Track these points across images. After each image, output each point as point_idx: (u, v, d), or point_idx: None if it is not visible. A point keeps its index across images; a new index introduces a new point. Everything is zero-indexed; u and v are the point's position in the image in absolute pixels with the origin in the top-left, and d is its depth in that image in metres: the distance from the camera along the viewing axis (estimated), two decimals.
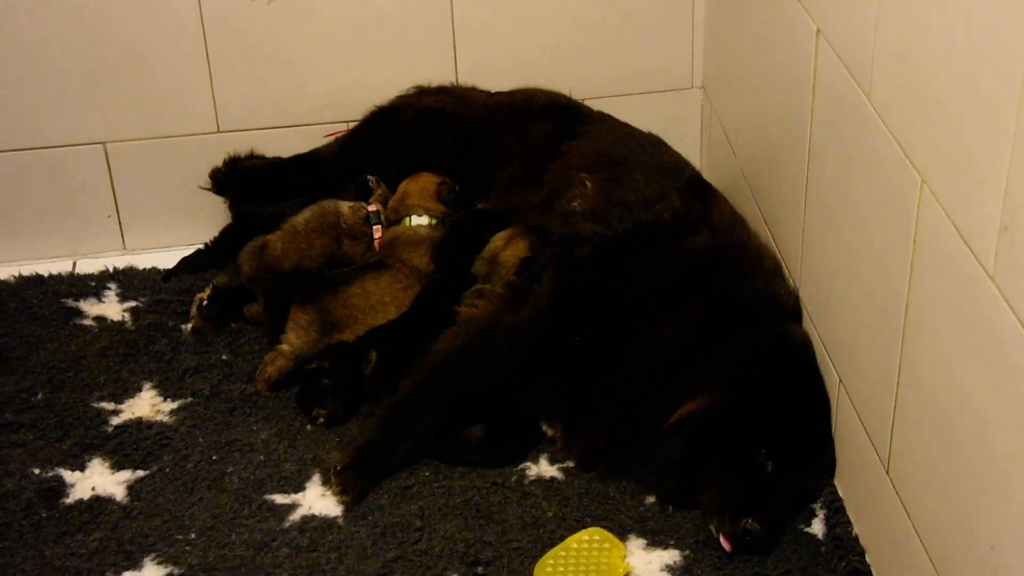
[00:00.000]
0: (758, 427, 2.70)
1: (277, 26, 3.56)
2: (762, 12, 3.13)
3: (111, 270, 3.58)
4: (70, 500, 2.84)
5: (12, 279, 3.53)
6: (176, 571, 2.66)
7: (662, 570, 2.67)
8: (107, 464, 2.94)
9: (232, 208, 3.60)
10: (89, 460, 2.94)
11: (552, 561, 2.65)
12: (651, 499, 2.84)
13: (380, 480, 2.86)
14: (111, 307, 3.44)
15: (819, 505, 2.77)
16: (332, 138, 3.67)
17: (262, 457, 2.95)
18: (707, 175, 3.56)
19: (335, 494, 2.82)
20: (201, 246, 3.58)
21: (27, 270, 3.57)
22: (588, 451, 2.89)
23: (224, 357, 3.24)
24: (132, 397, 3.13)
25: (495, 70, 3.68)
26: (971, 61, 1.96)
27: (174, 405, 3.11)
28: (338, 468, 2.81)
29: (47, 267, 3.60)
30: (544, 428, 2.97)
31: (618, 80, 3.76)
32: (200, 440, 3.00)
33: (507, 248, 3.23)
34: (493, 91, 3.67)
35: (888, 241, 2.34)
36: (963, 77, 1.99)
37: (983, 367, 1.99)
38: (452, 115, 3.54)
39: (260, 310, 3.26)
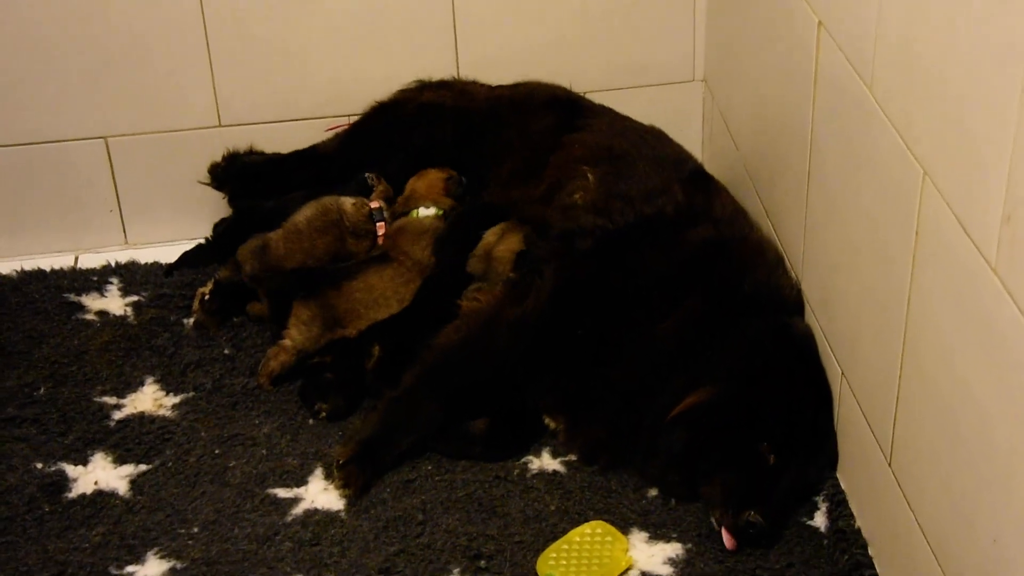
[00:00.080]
0: (760, 419, 2.70)
1: (278, 20, 3.56)
2: (763, 4, 3.13)
3: (113, 264, 3.58)
4: (73, 494, 2.84)
5: (14, 274, 3.53)
6: (179, 565, 2.66)
7: (664, 563, 2.67)
8: (110, 458, 2.94)
9: (232, 203, 3.60)
10: (92, 454, 2.95)
11: (554, 554, 2.65)
12: (653, 492, 2.84)
13: (382, 474, 2.87)
14: (113, 301, 3.44)
15: (821, 498, 2.77)
16: (332, 132, 3.66)
17: (264, 451, 2.95)
18: (709, 168, 3.55)
19: (337, 488, 2.83)
20: (203, 240, 3.58)
21: (29, 265, 3.57)
22: (590, 444, 2.89)
23: (226, 351, 3.24)
24: (134, 391, 3.13)
25: (496, 63, 3.68)
26: (973, 53, 1.95)
27: (176, 399, 3.11)
28: (340, 462, 2.81)
29: (49, 262, 3.60)
30: (546, 421, 2.97)
31: (620, 73, 3.75)
32: (202, 434, 3.00)
33: (500, 243, 3.22)
34: (494, 85, 3.67)
35: (890, 233, 2.34)
36: (965, 69, 1.98)
37: (985, 359, 1.99)
38: (452, 109, 3.54)
39: (263, 308, 3.26)
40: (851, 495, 2.74)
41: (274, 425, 3.02)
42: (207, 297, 3.29)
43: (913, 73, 2.19)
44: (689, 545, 2.70)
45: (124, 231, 3.74)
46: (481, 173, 3.49)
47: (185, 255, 3.55)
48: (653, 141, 3.41)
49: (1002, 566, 1.99)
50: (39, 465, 2.91)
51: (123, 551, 2.70)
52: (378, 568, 2.64)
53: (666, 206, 3.08)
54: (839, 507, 2.73)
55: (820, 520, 2.74)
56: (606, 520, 2.74)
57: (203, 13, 3.51)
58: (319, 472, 2.89)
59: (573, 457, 2.93)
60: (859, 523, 2.68)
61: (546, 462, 2.92)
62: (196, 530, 2.75)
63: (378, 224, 3.39)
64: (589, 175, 3.23)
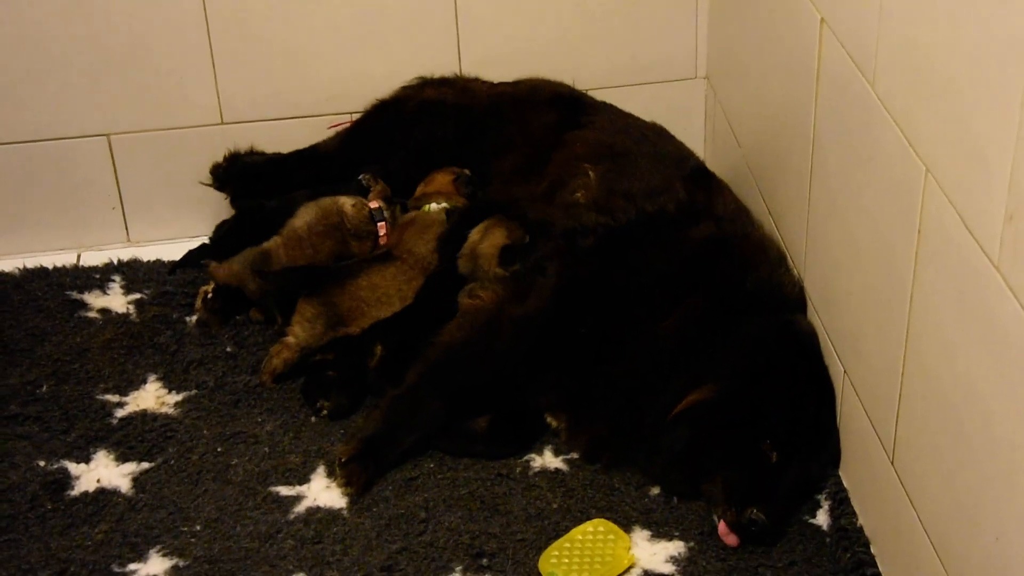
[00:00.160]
0: (762, 417, 2.70)
1: (281, 18, 3.56)
2: (766, 1, 3.13)
3: (115, 262, 3.58)
4: (75, 492, 2.84)
5: (16, 271, 3.54)
6: (181, 563, 2.66)
7: (667, 561, 2.67)
8: (112, 456, 2.94)
9: (234, 204, 3.60)
10: (94, 452, 2.95)
11: (557, 552, 2.65)
12: (656, 490, 2.83)
13: (385, 472, 2.87)
14: (116, 299, 3.44)
15: (824, 496, 2.77)
16: (335, 130, 3.66)
17: (267, 449, 2.95)
18: (711, 165, 3.55)
19: (340, 486, 2.83)
20: (206, 239, 3.58)
21: (31, 262, 3.57)
22: (592, 442, 2.89)
23: (229, 349, 3.24)
24: (137, 389, 3.13)
25: (499, 61, 3.68)
26: (976, 49, 1.95)
27: (179, 397, 3.11)
28: (343, 460, 2.81)
29: (51, 259, 3.60)
30: (548, 420, 2.97)
31: (622, 70, 3.75)
32: (205, 432, 3.00)
33: (484, 240, 3.20)
34: (496, 82, 3.66)
35: (893, 230, 2.33)
36: (968, 65, 1.98)
37: (988, 357, 1.99)
38: (454, 106, 3.54)
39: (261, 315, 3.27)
40: (853, 493, 2.74)
41: (276, 423, 3.02)
42: (210, 295, 3.29)
43: (916, 70, 2.18)
44: (691, 543, 2.70)
45: (126, 229, 3.74)
46: (483, 170, 3.49)
47: (189, 254, 3.55)
48: (655, 138, 3.41)
49: (1005, 564, 1.98)
50: (41, 463, 2.91)
51: (125, 549, 2.70)
52: (380, 566, 2.64)
53: (668, 204, 3.08)
54: (841, 505, 2.72)
55: (822, 518, 2.74)
56: (608, 518, 2.74)
57: (205, 11, 3.51)
58: (321, 470, 2.89)
59: (575, 455, 2.92)
60: (861, 521, 2.68)
61: (548, 460, 2.92)
62: (198, 528, 2.75)
63: (379, 224, 3.38)
64: (591, 173, 3.23)
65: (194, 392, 3.12)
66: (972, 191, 1.99)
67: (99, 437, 2.98)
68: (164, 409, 3.08)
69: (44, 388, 3.12)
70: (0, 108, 3.52)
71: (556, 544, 2.67)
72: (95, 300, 3.44)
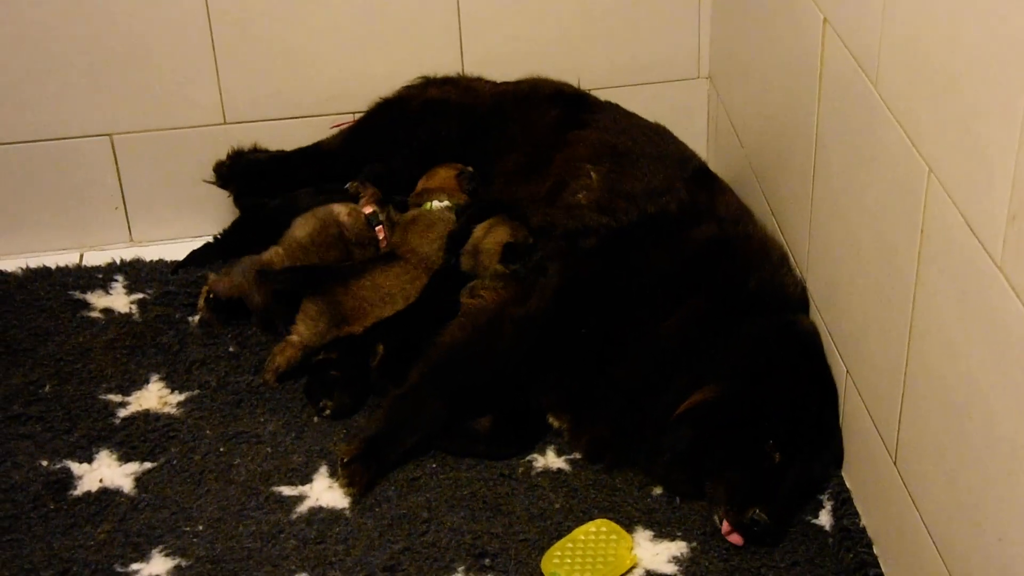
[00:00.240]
0: (765, 418, 2.69)
1: (283, 17, 3.56)
2: (769, 1, 3.12)
3: (118, 262, 3.58)
4: (78, 492, 2.84)
5: (19, 271, 3.54)
6: (184, 563, 2.66)
7: (669, 562, 2.66)
8: (115, 456, 2.94)
9: (237, 202, 3.60)
10: (97, 452, 2.95)
11: (559, 553, 2.65)
12: (658, 491, 2.83)
13: (387, 472, 2.87)
14: (118, 299, 3.44)
15: (826, 496, 2.77)
16: (338, 129, 3.66)
17: (269, 449, 2.95)
18: (713, 165, 3.55)
19: (342, 486, 2.82)
20: (210, 238, 3.58)
21: (34, 262, 3.58)
22: (595, 443, 2.89)
23: (231, 349, 3.24)
24: (139, 389, 3.13)
25: (501, 60, 3.68)
26: (978, 49, 1.95)
27: (181, 397, 3.11)
28: (345, 460, 2.81)
29: (54, 259, 3.60)
30: (550, 420, 2.96)
31: (624, 70, 3.75)
32: (207, 432, 3.00)
33: (488, 236, 3.22)
34: (499, 81, 3.66)
35: (895, 231, 2.33)
36: (970, 65, 1.98)
37: (991, 357, 1.98)
38: (457, 105, 3.54)
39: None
40: (856, 493, 2.74)
41: (279, 423, 3.02)
42: (212, 295, 3.29)
43: (919, 70, 2.18)
44: (694, 543, 2.70)
45: (129, 229, 3.74)
46: (486, 169, 3.49)
47: (193, 254, 3.55)
48: (657, 139, 3.41)
49: (1007, 564, 1.98)
50: (44, 463, 2.91)
51: (128, 549, 2.70)
52: (383, 566, 2.64)
53: (670, 204, 3.08)
54: (844, 505, 2.72)
55: (825, 518, 2.74)
56: (611, 518, 2.74)
57: (208, 11, 3.51)
58: (324, 470, 2.89)
59: (578, 455, 2.92)
60: (864, 521, 2.68)
61: (551, 460, 2.92)
62: (201, 528, 2.75)
63: (376, 228, 3.38)
64: (592, 174, 3.23)
65: (197, 392, 3.12)
66: (975, 191, 1.99)
67: (102, 437, 2.98)
68: (167, 409, 3.08)
69: (47, 388, 3.13)
70: (3, 108, 3.53)
71: (558, 544, 2.67)
72: (98, 300, 3.44)
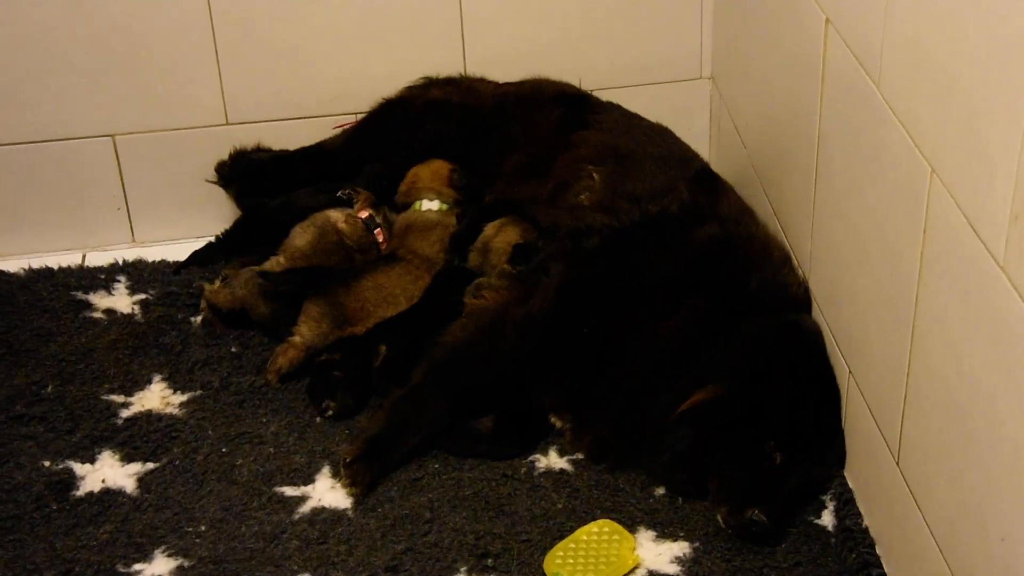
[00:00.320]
0: (766, 418, 2.69)
1: (286, 18, 3.56)
2: (771, 1, 3.12)
3: (121, 263, 3.58)
4: (80, 492, 2.84)
5: (22, 272, 3.54)
6: (186, 563, 2.66)
7: (672, 562, 2.66)
8: (117, 456, 2.94)
9: (238, 201, 3.60)
10: (99, 452, 2.95)
11: (562, 553, 2.65)
12: (661, 491, 2.83)
13: (389, 472, 2.87)
14: (121, 300, 3.45)
15: (829, 497, 2.77)
16: (340, 129, 3.66)
17: (272, 449, 2.95)
18: (716, 165, 3.55)
19: (345, 486, 2.83)
20: (212, 239, 3.58)
21: (37, 263, 3.58)
22: (597, 443, 2.89)
23: (233, 349, 3.24)
24: (142, 390, 3.13)
25: (504, 60, 3.68)
26: (981, 49, 1.94)
27: (184, 397, 3.11)
28: (347, 460, 2.81)
29: (57, 260, 3.60)
30: (553, 420, 2.96)
31: (627, 71, 3.75)
32: (210, 432, 3.00)
33: (498, 235, 3.24)
34: (501, 82, 3.66)
35: (898, 231, 2.33)
36: (973, 65, 1.98)
37: (994, 357, 1.98)
38: (459, 106, 3.54)
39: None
40: (859, 493, 2.74)
41: (281, 423, 3.03)
42: (212, 305, 3.28)
43: (921, 70, 2.18)
44: (696, 544, 2.69)
45: (132, 229, 3.74)
46: (488, 170, 3.49)
47: (195, 254, 3.55)
48: (659, 140, 3.41)
49: (1010, 564, 1.98)
50: (47, 463, 2.91)
51: (130, 549, 2.70)
52: (385, 566, 2.64)
53: (672, 205, 3.08)
54: (847, 506, 2.72)
55: (827, 519, 2.74)
56: (613, 519, 2.74)
57: (210, 11, 3.51)
58: (326, 470, 2.89)
59: (580, 455, 2.92)
60: (867, 522, 2.68)
61: (553, 460, 2.92)
62: (203, 528, 2.75)
63: (376, 232, 3.38)
64: (595, 175, 3.23)
65: (199, 392, 3.12)
66: (977, 191, 1.99)
67: (104, 437, 2.99)
68: (169, 409, 3.08)
69: (49, 388, 3.13)
70: (5, 109, 3.53)
71: (561, 544, 2.67)
72: (100, 300, 3.44)
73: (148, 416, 3.05)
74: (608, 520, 2.73)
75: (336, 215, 3.39)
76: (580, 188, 3.23)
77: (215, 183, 3.60)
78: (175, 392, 3.13)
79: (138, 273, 3.53)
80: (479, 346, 2.93)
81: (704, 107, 3.84)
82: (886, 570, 2.57)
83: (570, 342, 2.89)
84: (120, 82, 3.55)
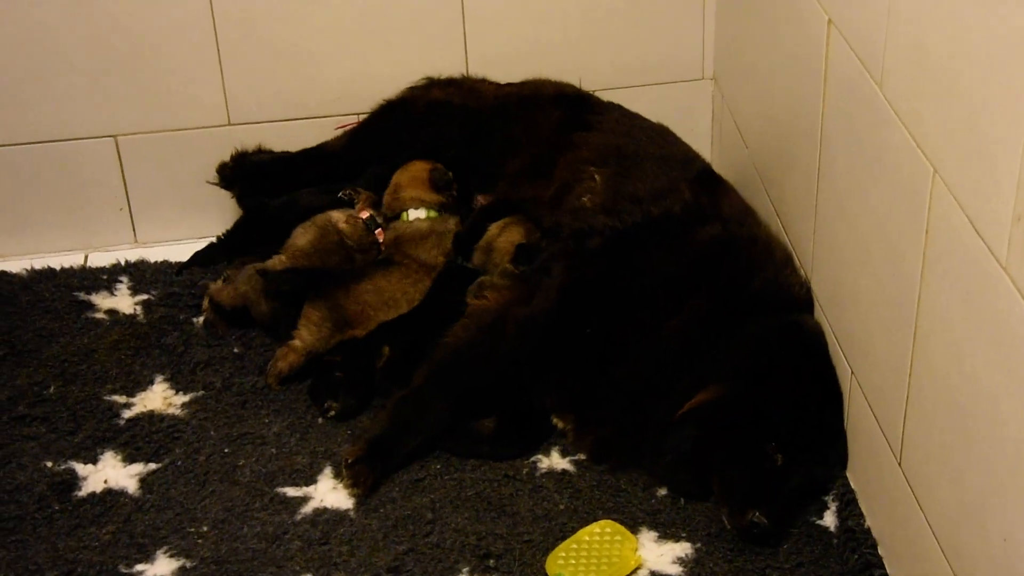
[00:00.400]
0: (768, 419, 2.69)
1: (288, 18, 3.56)
2: (773, 2, 3.12)
3: (123, 263, 3.58)
4: (82, 493, 2.84)
5: (24, 272, 3.54)
6: (188, 564, 2.66)
7: (674, 563, 2.66)
8: (119, 457, 2.94)
9: (240, 202, 3.60)
10: (101, 453, 2.95)
11: (564, 554, 2.65)
12: (663, 492, 2.83)
13: (391, 473, 2.86)
14: (123, 300, 3.45)
15: (831, 497, 2.77)
16: (342, 130, 3.66)
17: (274, 450, 2.95)
18: (718, 166, 3.55)
19: (346, 487, 2.83)
20: (213, 239, 3.58)
21: (39, 263, 3.58)
22: (599, 443, 2.89)
23: (236, 350, 3.24)
24: (144, 390, 3.14)
25: (506, 60, 3.67)
26: (984, 50, 1.94)
27: (186, 398, 3.11)
28: (349, 461, 2.81)
29: (59, 260, 3.60)
30: (555, 421, 2.96)
31: (629, 71, 3.75)
32: (212, 433, 3.00)
33: (502, 235, 3.24)
34: (503, 83, 3.66)
35: (900, 231, 2.33)
36: (976, 66, 1.97)
37: (996, 358, 1.98)
38: (461, 107, 3.54)
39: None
40: (861, 494, 2.74)
41: (283, 424, 3.03)
42: (215, 303, 3.28)
43: (924, 70, 2.18)
44: (698, 544, 2.69)
45: (134, 230, 3.75)
46: (490, 171, 3.48)
47: (197, 254, 3.55)
48: (660, 140, 3.41)
49: (1012, 565, 1.98)
50: (49, 464, 2.91)
51: (132, 550, 2.70)
52: (387, 567, 2.64)
53: (673, 206, 3.07)
54: (849, 506, 2.72)
55: (830, 519, 2.74)
56: (615, 519, 2.74)
57: (213, 12, 3.51)
58: (328, 471, 2.89)
59: (582, 456, 2.92)
60: (869, 522, 2.68)
61: (555, 461, 2.92)
62: (205, 529, 2.75)
63: (376, 232, 3.38)
64: (596, 176, 3.23)
65: (201, 393, 3.12)
66: (980, 192, 1.99)
67: (106, 438, 2.99)
68: (171, 410, 3.08)
69: (51, 389, 3.13)
70: (7, 109, 3.53)
71: (563, 545, 2.67)
72: (102, 301, 3.44)
73: (150, 417, 3.05)
74: (610, 521, 2.73)
75: (338, 215, 3.39)
76: (582, 190, 3.23)
77: (217, 184, 3.60)
78: (177, 393, 3.13)
79: (140, 274, 3.53)
80: (481, 347, 2.93)
81: (706, 107, 3.84)
82: (888, 571, 2.57)
83: (572, 343, 2.89)
84: (122, 83, 3.55)
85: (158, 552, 2.70)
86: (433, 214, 3.36)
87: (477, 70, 3.69)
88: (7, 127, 3.55)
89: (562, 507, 2.79)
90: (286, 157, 3.62)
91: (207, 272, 3.48)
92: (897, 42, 2.30)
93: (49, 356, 3.23)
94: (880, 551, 2.61)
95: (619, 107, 3.57)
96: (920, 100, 2.21)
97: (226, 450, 2.95)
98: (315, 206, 3.45)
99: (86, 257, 3.68)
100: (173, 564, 2.67)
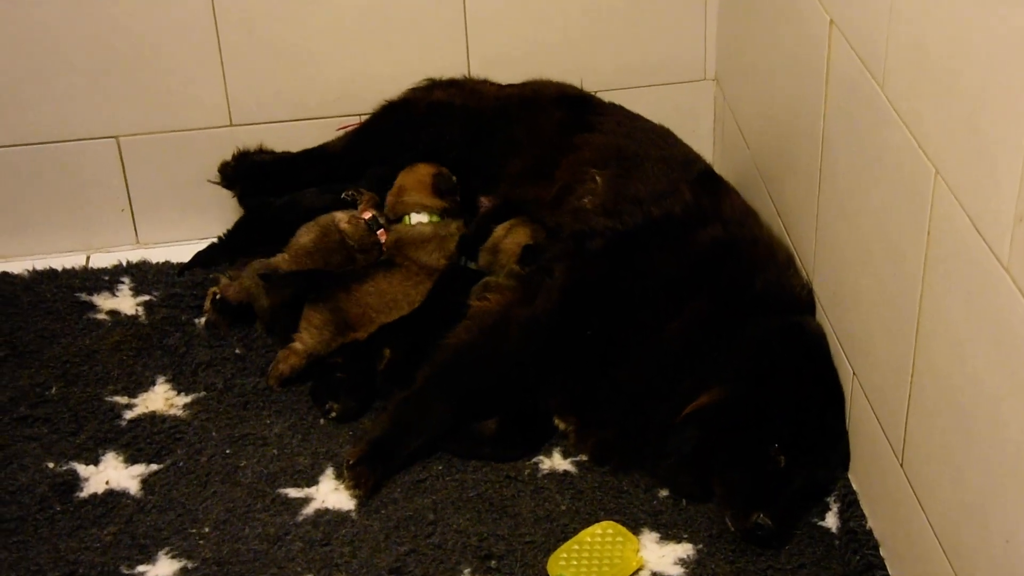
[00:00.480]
0: (771, 421, 2.69)
1: (289, 19, 3.56)
2: (775, 3, 3.12)
3: (124, 264, 3.58)
4: (84, 494, 2.85)
5: (26, 273, 3.54)
6: (190, 565, 2.66)
7: (675, 564, 2.66)
8: (121, 458, 2.94)
9: (241, 201, 3.60)
10: (103, 454, 2.95)
11: (565, 555, 2.65)
12: (664, 493, 2.83)
13: (393, 474, 2.86)
14: (124, 301, 3.45)
15: (833, 499, 2.77)
16: (343, 131, 3.66)
17: (275, 451, 2.95)
18: (720, 167, 3.55)
19: (348, 488, 2.83)
20: (215, 240, 3.58)
21: (40, 264, 3.58)
22: (601, 444, 2.89)
23: (237, 351, 3.25)
24: (146, 391, 3.14)
25: (508, 61, 3.67)
26: (985, 50, 1.94)
27: (188, 399, 3.11)
28: (351, 462, 2.81)
29: (60, 261, 3.60)
30: (556, 422, 2.96)
31: (631, 72, 3.75)
32: (214, 434, 3.00)
33: (508, 236, 3.24)
34: (504, 84, 3.66)
35: (902, 232, 2.33)
36: (977, 66, 1.97)
37: (998, 358, 1.98)
38: (462, 108, 3.54)
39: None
40: (863, 495, 2.73)
41: (285, 425, 3.03)
42: (219, 296, 3.29)
43: (925, 71, 2.18)
44: (700, 546, 2.69)
45: (135, 230, 3.75)
46: (491, 172, 3.48)
47: (198, 255, 3.55)
48: (661, 142, 3.41)
49: (1014, 566, 1.98)
50: (50, 464, 2.92)
51: (134, 551, 2.70)
52: (388, 568, 2.64)
53: (674, 207, 3.07)
54: (851, 508, 2.72)
55: (832, 521, 2.74)
56: (617, 520, 2.74)
57: (214, 13, 3.51)
58: (330, 472, 2.89)
59: (584, 457, 2.92)
60: (871, 524, 2.68)
61: (557, 462, 2.92)
62: (207, 530, 2.75)
63: (378, 233, 3.38)
64: (597, 178, 3.23)
65: (203, 394, 3.12)
66: (981, 192, 1.98)
67: (108, 439, 2.99)
68: (173, 411, 3.08)
69: (53, 390, 3.13)
70: (9, 110, 3.53)
71: (565, 546, 2.67)
72: (104, 302, 3.44)
73: (152, 417, 3.05)
74: (612, 522, 2.73)
75: (340, 216, 3.39)
76: (583, 191, 3.22)
77: (218, 184, 3.60)
78: (179, 393, 3.13)
79: (142, 274, 3.53)
80: (482, 348, 2.93)
81: (708, 108, 3.84)
82: (890, 572, 2.57)
83: (574, 344, 2.89)
84: (124, 83, 3.55)
85: (160, 553, 2.70)
86: (436, 219, 3.36)
87: (479, 71, 3.69)
88: (8, 128, 3.55)
89: (564, 508, 2.79)
90: (287, 157, 3.62)
91: (208, 273, 3.48)
92: (898, 42, 2.29)
93: (51, 357, 3.23)
94: (882, 552, 2.61)
95: (620, 108, 3.57)
96: (921, 100, 2.20)
97: (228, 451, 2.95)
98: (317, 206, 3.46)
99: (88, 258, 3.68)
100: (175, 565, 2.67)
